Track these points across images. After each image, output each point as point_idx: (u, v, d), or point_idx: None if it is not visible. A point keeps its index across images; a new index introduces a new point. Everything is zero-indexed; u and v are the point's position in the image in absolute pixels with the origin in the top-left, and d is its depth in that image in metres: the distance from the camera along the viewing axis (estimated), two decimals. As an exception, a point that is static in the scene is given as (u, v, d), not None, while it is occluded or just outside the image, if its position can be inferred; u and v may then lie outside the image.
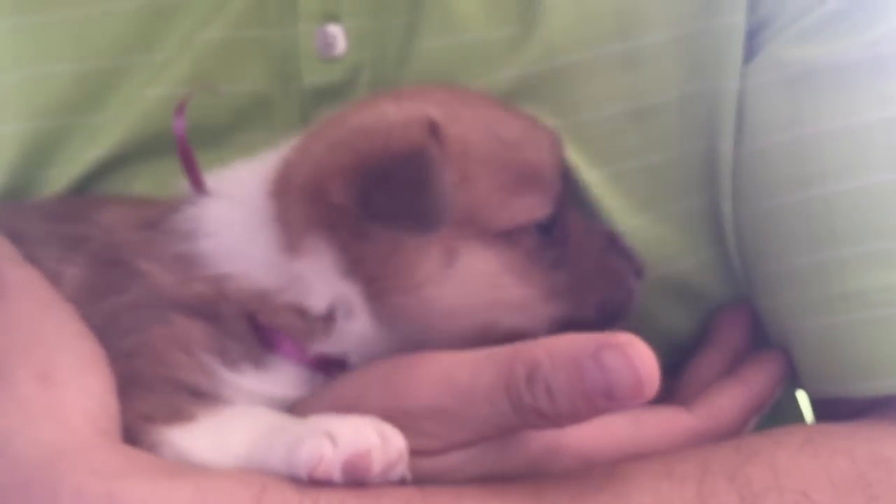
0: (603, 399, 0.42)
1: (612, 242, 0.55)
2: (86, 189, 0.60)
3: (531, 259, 0.50)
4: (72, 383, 0.47)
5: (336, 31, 0.59)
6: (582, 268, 0.52)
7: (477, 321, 0.50)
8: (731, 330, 0.60)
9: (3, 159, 0.61)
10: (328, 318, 0.50)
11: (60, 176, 0.60)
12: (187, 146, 0.55)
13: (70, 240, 0.54)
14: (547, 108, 0.56)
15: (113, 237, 0.53)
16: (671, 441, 0.51)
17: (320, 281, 0.50)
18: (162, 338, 0.49)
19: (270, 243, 0.51)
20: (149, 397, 0.49)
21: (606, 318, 0.53)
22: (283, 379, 0.51)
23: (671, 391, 0.58)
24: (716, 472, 0.47)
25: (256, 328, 0.50)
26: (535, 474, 0.48)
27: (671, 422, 0.52)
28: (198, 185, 0.54)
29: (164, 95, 0.59)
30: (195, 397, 0.49)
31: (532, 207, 0.51)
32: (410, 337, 0.50)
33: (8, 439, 0.44)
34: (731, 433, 0.53)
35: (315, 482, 0.43)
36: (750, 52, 0.56)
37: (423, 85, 0.56)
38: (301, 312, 0.50)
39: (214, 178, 0.55)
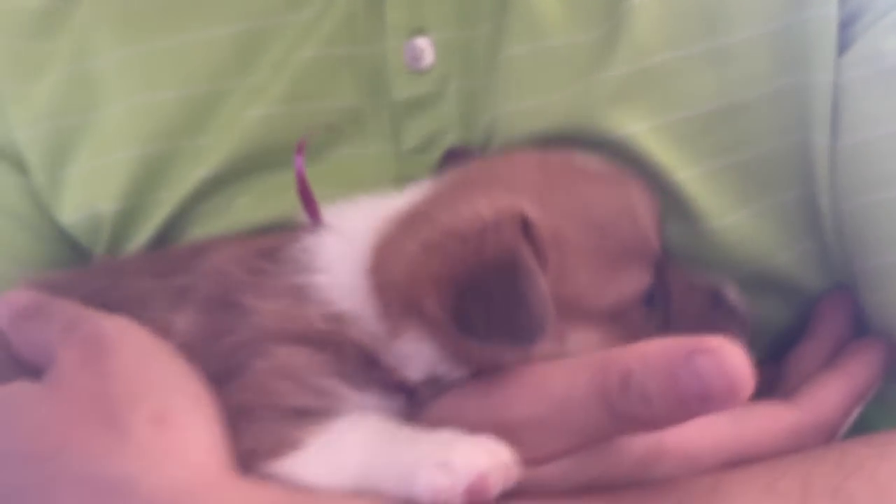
0: (697, 403, 0.42)
1: (717, 298, 0.54)
2: (191, 209, 0.63)
3: (633, 331, 0.50)
4: (187, 423, 0.48)
5: (423, 44, 0.60)
6: (684, 326, 0.51)
7: None
8: (832, 320, 0.60)
9: (116, 185, 0.64)
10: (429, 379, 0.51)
11: (169, 197, 0.63)
12: (305, 181, 0.55)
13: (176, 292, 0.54)
14: (638, 108, 0.56)
15: (224, 279, 0.53)
16: (775, 438, 0.51)
17: (419, 360, 0.50)
18: (264, 371, 0.50)
19: (374, 307, 0.50)
20: (253, 430, 0.49)
21: None
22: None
23: (773, 382, 0.58)
24: (818, 489, 0.46)
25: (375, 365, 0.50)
26: (640, 478, 0.49)
27: (774, 418, 0.52)
28: (315, 217, 0.55)
29: (263, 115, 0.61)
30: (300, 419, 0.49)
31: (633, 282, 0.51)
32: None
33: (135, 485, 0.46)
34: (833, 426, 0.53)
35: None
36: (843, 44, 0.55)
37: (513, 157, 0.55)
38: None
39: (333, 214, 0.55)
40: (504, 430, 0.46)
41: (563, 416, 0.46)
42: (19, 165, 0.68)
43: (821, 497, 0.46)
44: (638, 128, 0.56)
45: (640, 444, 0.48)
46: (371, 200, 0.55)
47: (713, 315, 0.54)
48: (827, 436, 0.53)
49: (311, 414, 0.49)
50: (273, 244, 0.54)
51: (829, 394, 0.54)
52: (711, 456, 0.50)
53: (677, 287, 0.53)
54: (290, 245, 0.53)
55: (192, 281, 0.54)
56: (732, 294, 0.55)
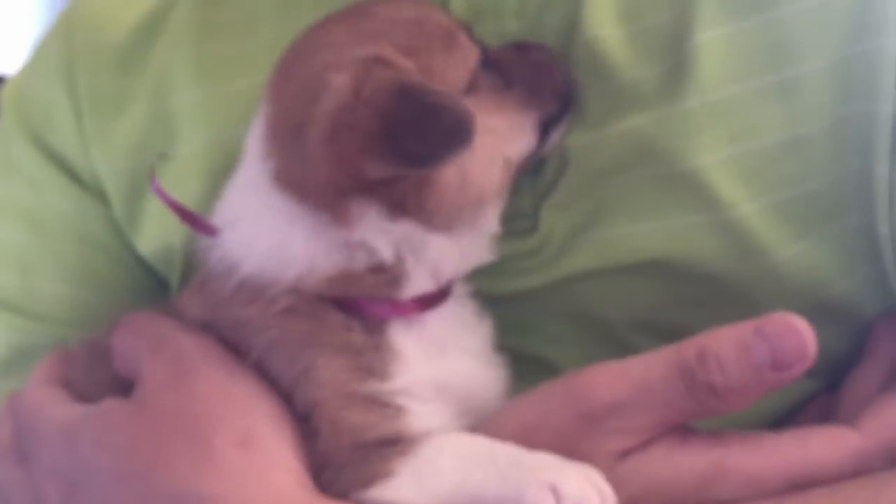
0: (770, 370, 0.47)
1: (523, 48, 0.60)
2: None
3: (495, 91, 0.56)
4: (270, 444, 0.50)
5: None
6: (525, 76, 0.57)
7: (498, 168, 0.55)
8: (889, 342, 0.60)
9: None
10: (401, 261, 0.53)
11: None
12: (175, 202, 0.59)
13: None
14: (705, 140, 0.57)
15: (192, 316, 0.57)
16: (840, 461, 0.51)
17: (377, 234, 0.52)
18: (327, 405, 0.52)
19: (315, 230, 0.53)
20: (345, 473, 0.51)
21: (567, 100, 0.59)
22: (420, 353, 0.54)
23: (833, 410, 0.59)
24: None
25: (352, 309, 0.53)
26: (700, 499, 0.50)
27: (838, 441, 0.52)
28: (208, 229, 0.57)
29: None
30: (387, 448, 0.51)
31: (469, 53, 0.56)
32: (472, 224, 0.55)
33: (221, 502, 0.48)
34: None
35: None
36: None
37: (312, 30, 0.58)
38: (377, 270, 0.53)
39: (219, 214, 0.57)
40: (590, 420, 0.49)
41: (645, 395, 0.49)
42: (102, 196, 0.72)
43: None
44: (705, 161, 0.57)
45: (702, 460, 0.50)
46: (234, 180, 0.58)
47: (531, 57, 0.59)
48: (892, 460, 0.53)
49: (392, 444, 0.51)
50: (202, 275, 0.57)
51: (893, 417, 0.54)
52: (775, 478, 0.51)
53: (501, 55, 0.58)
54: (210, 266, 0.56)
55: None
56: (535, 45, 0.60)
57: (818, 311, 0.58)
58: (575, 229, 0.59)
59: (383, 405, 0.52)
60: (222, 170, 0.65)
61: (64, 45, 0.73)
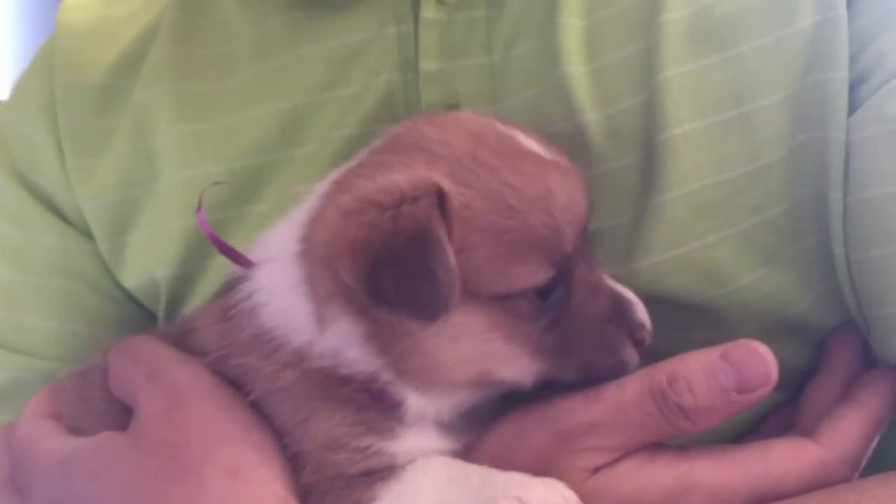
0: (736, 392, 0.51)
1: (620, 308, 0.54)
2: None
3: (523, 321, 0.51)
4: (259, 474, 0.52)
5: None
6: (575, 330, 0.53)
7: (471, 371, 0.53)
8: (844, 352, 0.63)
9: (170, 252, 0.69)
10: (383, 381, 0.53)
11: (222, 264, 0.66)
12: (214, 234, 0.60)
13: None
14: (668, 176, 0.59)
15: (205, 342, 0.57)
16: (800, 472, 0.54)
17: (351, 351, 0.52)
18: (312, 451, 0.52)
19: (307, 309, 0.53)
20: (329, 499, 0.52)
21: (590, 382, 0.53)
22: (429, 429, 0.54)
23: (793, 420, 0.61)
24: None
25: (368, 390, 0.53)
26: None
27: (798, 453, 0.55)
28: (243, 262, 0.57)
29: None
30: (368, 479, 0.52)
31: (530, 275, 0.51)
32: (429, 393, 0.53)
33: None
34: (855, 458, 0.56)
35: None
36: (852, 105, 0.58)
37: (445, 121, 0.55)
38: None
39: (258, 248, 0.57)
40: (565, 440, 0.52)
41: (618, 415, 0.52)
42: (87, 232, 0.73)
43: None
44: (671, 195, 0.59)
45: (670, 475, 0.53)
46: (285, 220, 0.57)
47: (609, 326, 0.54)
48: (850, 468, 0.56)
49: (376, 472, 0.53)
50: (229, 304, 0.57)
51: (849, 427, 0.57)
52: (739, 490, 0.53)
53: (582, 288, 0.53)
54: (237, 298, 0.56)
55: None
56: (639, 311, 0.55)
57: (780, 328, 0.61)
58: None
59: (374, 455, 0.53)
60: (204, 205, 0.67)
61: (44, 83, 0.75)
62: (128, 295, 0.74)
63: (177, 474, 0.52)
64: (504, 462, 0.53)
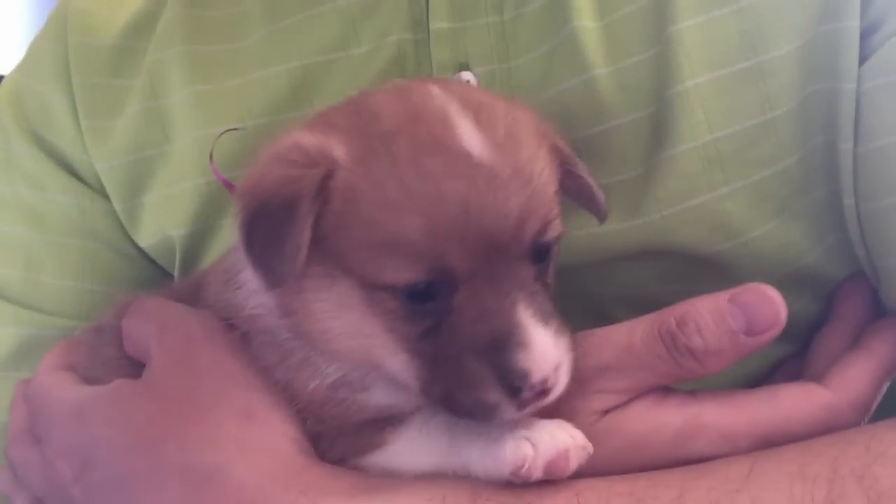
0: (745, 335, 0.51)
1: (502, 347, 0.47)
2: None
3: (396, 317, 0.49)
4: (273, 418, 0.53)
5: (469, 77, 0.64)
6: (447, 351, 0.48)
7: (357, 348, 0.51)
8: (853, 302, 0.63)
9: (184, 212, 0.70)
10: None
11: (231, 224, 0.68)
12: (227, 180, 0.60)
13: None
14: (680, 129, 0.59)
15: (210, 295, 0.58)
16: (809, 417, 0.54)
17: (267, 304, 0.54)
18: (303, 394, 0.53)
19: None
20: (338, 444, 0.54)
21: (458, 415, 0.50)
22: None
23: (802, 371, 0.61)
24: (845, 473, 0.49)
25: None
26: (677, 454, 0.53)
27: (806, 397, 0.55)
28: None
29: None
30: (376, 426, 0.53)
31: (395, 272, 0.48)
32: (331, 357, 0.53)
33: (228, 471, 0.51)
34: (864, 403, 0.56)
35: (511, 483, 0.49)
36: (863, 54, 0.58)
37: (405, 90, 0.52)
38: None
39: None
40: (576, 381, 0.51)
41: (628, 358, 0.53)
42: (102, 192, 0.74)
43: (847, 481, 0.49)
44: (684, 148, 0.60)
45: (679, 417, 0.53)
46: None
47: (478, 360, 0.48)
48: (859, 412, 0.56)
49: (384, 420, 0.53)
50: (231, 263, 0.58)
51: (858, 372, 0.57)
52: (747, 435, 0.53)
53: (467, 310, 0.48)
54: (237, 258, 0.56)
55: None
56: (528, 359, 0.47)
57: (791, 280, 0.61)
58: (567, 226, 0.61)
59: (357, 408, 0.53)
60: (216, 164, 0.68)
61: (58, 45, 0.76)
62: (143, 254, 0.74)
63: (192, 416, 0.53)
64: None
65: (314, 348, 0.53)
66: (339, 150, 0.49)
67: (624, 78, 0.61)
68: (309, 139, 0.50)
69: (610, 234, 0.61)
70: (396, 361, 0.50)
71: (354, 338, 0.51)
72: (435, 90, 0.51)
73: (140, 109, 0.72)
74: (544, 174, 0.50)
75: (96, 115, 0.74)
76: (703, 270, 0.61)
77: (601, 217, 0.56)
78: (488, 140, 0.49)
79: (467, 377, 0.48)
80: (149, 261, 0.74)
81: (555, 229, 0.51)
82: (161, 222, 0.71)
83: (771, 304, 0.52)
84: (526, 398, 0.47)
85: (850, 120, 0.58)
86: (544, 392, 0.48)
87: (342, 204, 0.48)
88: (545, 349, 0.47)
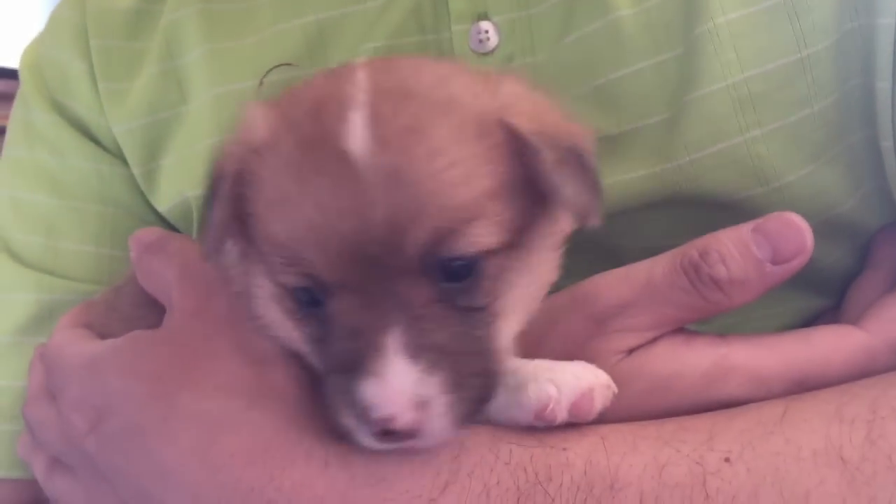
0: (770, 263, 0.49)
1: (355, 373, 0.43)
2: None
3: (292, 311, 0.48)
4: (286, 363, 0.52)
5: (488, 27, 0.63)
6: (327, 363, 0.47)
7: (276, 321, 0.51)
8: (890, 250, 0.61)
9: (201, 172, 0.67)
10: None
11: None
12: None
13: None
14: (709, 68, 0.57)
15: None
16: (844, 358, 0.52)
17: (236, 272, 0.54)
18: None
19: None
20: None
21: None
22: None
23: (837, 321, 0.58)
24: (885, 414, 0.46)
25: None
26: (705, 396, 0.51)
27: (842, 338, 0.53)
28: None
29: None
30: None
31: (281, 270, 0.46)
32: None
33: (243, 416, 0.50)
34: None
35: (534, 428, 0.48)
36: None
37: (366, 69, 0.49)
38: None
39: None
40: (595, 322, 0.50)
41: (649, 293, 0.51)
42: (121, 157, 0.74)
43: (887, 422, 0.46)
44: (713, 88, 0.58)
45: (707, 358, 0.51)
46: None
47: (342, 379, 0.45)
48: None
49: None
50: None
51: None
52: (780, 377, 0.51)
53: (338, 323, 0.45)
54: None
55: None
56: (371, 389, 0.43)
57: (826, 229, 0.59)
58: None
59: None
60: (231, 122, 0.67)
61: (76, 11, 0.76)
62: (162, 219, 0.74)
63: (207, 364, 0.53)
64: (536, 350, 0.52)
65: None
66: (262, 133, 0.47)
67: (649, 18, 0.60)
68: (272, 114, 0.48)
69: (636, 182, 0.60)
70: (304, 350, 0.50)
71: (272, 311, 0.51)
72: (359, 76, 0.47)
73: (156, 71, 0.72)
74: (456, 175, 0.44)
75: (113, 78, 0.74)
76: (734, 218, 0.58)
77: (582, 221, 0.49)
78: (377, 137, 0.44)
79: (329, 394, 0.45)
80: (167, 226, 0.74)
81: (473, 242, 0.44)
82: (179, 184, 0.71)
83: (797, 231, 0.50)
84: (386, 432, 0.43)
85: (888, 58, 0.56)
86: (409, 434, 0.43)
87: (253, 190, 0.47)
88: (398, 384, 0.42)
